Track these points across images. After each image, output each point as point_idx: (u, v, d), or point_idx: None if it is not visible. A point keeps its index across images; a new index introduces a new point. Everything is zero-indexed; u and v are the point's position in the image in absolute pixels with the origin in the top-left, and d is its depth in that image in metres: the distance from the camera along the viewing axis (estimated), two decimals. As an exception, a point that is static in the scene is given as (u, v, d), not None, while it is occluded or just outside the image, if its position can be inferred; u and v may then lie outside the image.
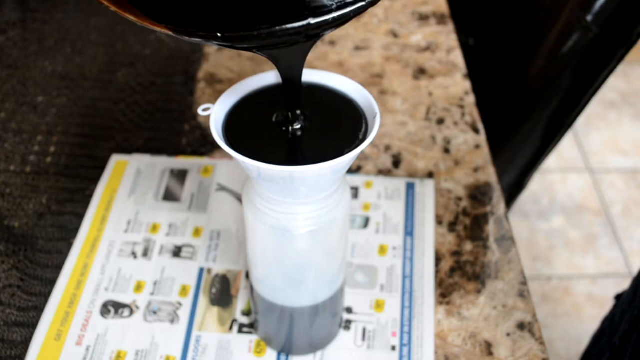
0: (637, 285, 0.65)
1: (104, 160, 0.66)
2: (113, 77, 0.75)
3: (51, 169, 0.65)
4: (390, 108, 0.72)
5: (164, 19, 0.34)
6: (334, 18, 0.34)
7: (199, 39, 0.34)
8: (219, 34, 0.34)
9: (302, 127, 0.40)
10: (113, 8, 0.34)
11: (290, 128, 0.40)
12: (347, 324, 0.54)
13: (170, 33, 0.34)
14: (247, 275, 0.57)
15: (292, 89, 0.39)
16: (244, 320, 0.54)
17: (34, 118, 0.70)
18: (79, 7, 0.84)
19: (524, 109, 0.85)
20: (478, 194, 0.64)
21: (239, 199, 0.62)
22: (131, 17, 0.34)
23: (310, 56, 0.76)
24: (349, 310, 0.55)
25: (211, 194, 0.63)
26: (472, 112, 0.72)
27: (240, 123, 0.40)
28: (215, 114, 0.39)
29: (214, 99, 0.73)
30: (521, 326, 0.54)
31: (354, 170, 0.66)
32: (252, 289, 0.50)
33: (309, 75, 0.42)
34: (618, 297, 0.72)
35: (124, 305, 0.55)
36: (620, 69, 1.72)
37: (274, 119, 0.41)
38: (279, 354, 0.52)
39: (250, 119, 0.40)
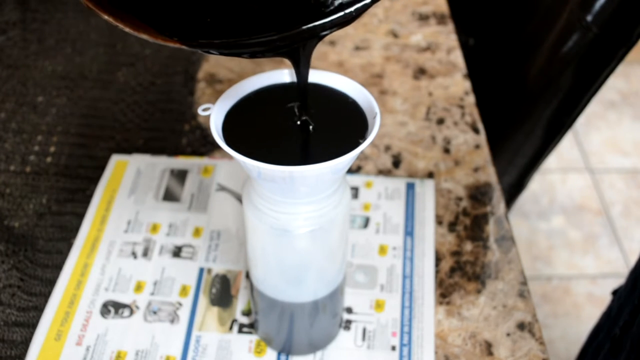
0: (637, 277, 0.65)
1: (104, 160, 0.66)
2: (113, 77, 0.75)
3: (51, 169, 0.65)
4: (390, 108, 0.72)
5: (175, 33, 0.34)
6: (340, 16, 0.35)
7: (215, 49, 0.35)
8: (239, 40, 0.34)
9: (306, 125, 0.40)
10: (127, 29, 0.34)
11: (297, 124, 0.40)
12: (347, 324, 0.54)
13: (184, 47, 0.34)
14: (247, 275, 0.57)
15: (304, 86, 0.40)
16: (244, 320, 0.54)
17: (34, 118, 0.70)
18: (79, 7, 0.84)
19: (524, 109, 0.85)
20: (478, 194, 0.64)
21: (239, 199, 0.62)
22: (145, 36, 0.34)
23: (310, 56, 0.76)
24: (349, 310, 0.55)
25: (211, 194, 0.63)
26: (472, 112, 0.72)
27: (240, 123, 0.40)
28: (215, 114, 0.39)
29: (214, 99, 0.73)
30: (521, 326, 0.54)
31: (354, 170, 0.66)
32: (252, 288, 0.50)
33: (309, 75, 0.42)
34: (615, 293, 0.72)
35: (124, 305, 0.55)
36: (620, 69, 1.71)
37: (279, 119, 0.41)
38: (279, 354, 0.52)
39: (250, 119, 0.40)
